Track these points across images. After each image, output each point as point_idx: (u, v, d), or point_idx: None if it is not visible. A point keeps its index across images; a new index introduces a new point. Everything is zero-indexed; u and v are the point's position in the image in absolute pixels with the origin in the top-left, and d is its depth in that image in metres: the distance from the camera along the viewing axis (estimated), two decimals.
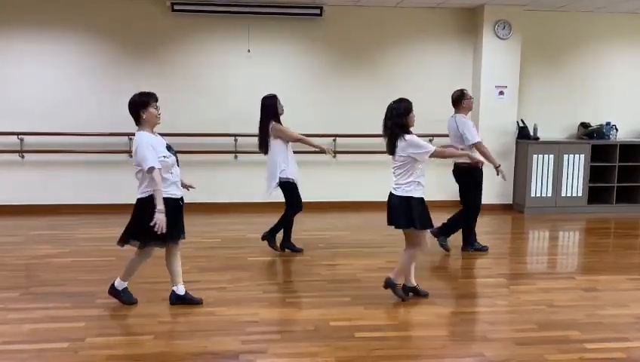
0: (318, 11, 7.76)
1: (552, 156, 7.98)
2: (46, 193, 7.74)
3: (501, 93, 8.05)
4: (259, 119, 5.63)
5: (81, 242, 6.26)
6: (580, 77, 8.54)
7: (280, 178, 5.55)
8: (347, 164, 8.15)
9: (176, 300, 4.32)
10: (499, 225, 7.36)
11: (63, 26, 7.62)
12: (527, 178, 7.97)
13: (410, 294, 4.54)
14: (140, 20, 7.71)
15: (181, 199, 4.25)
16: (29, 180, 7.71)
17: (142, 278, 4.57)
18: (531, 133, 8.06)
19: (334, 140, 7.98)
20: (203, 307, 4.31)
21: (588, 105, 8.55)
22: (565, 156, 8.02)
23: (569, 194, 8.07)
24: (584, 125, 8.37)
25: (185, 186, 4.44)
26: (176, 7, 7.56)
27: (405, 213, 4.30)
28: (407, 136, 4.27)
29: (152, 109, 4.07)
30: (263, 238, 5.84)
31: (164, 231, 3.95)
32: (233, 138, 7.81)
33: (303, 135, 5.70)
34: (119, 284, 4.33)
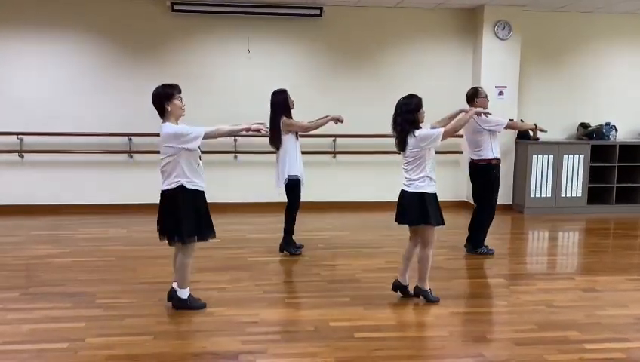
0: (317, 12, 7.76)
1: (551, 156, 7.99)
2: (46, 193, 7.74)
3: (501, 93, 8.06)
4: (269, 116, 5.55)
5: (81, 242, 6.26)
6: (580, 77, 8.55)
7: (289, 175, 5.53)
8: (347, 164, 8.16)
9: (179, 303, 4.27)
10: (498, 226, 7.35)
11: (63, 26, 7.62)
12: (526, 178, 7.98)
13: (398, 291, 4.54)
14: (140, 20, 7.72)
15: (204, 192, 4.20)
16: (28, 180, 7.71)
17: (141, 278, 4.57)
18: (531, 134, 8.06)
19: (334, 140, 7.99)
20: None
21: (587, 106, 8.56)
22: (565, 156, 8.02)
23: (569, 195, 8.07)
24: (584, 125, 8.38)
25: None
26: (176, 7, 7.56)
27: (419, 208, 4.27)
28: (417, 132, 4.24)
29: (176, 101, 4.05)
30: (281, 250, 5.79)
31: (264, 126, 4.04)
32: (233, 138, 7.80)
33: (321, 118, 5.70)
34: (183, 293, 4.22)
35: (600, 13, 8.31)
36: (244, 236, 6.48)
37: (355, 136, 7.96)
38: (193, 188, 4.07)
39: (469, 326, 4.13)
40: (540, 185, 8.02)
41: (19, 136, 7.58)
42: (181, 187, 4.02)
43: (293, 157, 5.54)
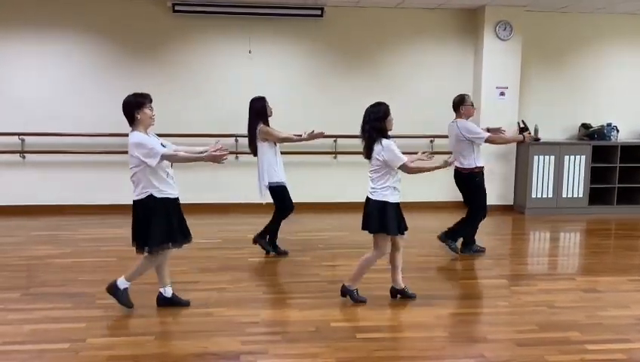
0: (318, 12, 7.76)
1: (552, 157, 7.98)
2: (47, 193, 7.74)
3: (502, 94, 8.05)
4: (247, 121, 5.60)
5: (81, 242, 6.26)
6: (581, 78, 8.54)
7: (270, 183, 5.53)
8: (347, 165, 8.14)
9: (164, 302, 4.32)
10: (499, 226, 7.36)
11: (63, 26, 7.62)
12: (527, 179, 7.97)
13: (397, 296, 4.55)
14: (140, 21, 7.72)
15: (177, 199, 4.22)
16: (29, 180, 7.71)
17: (142, 279, 4.56)
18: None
19: (335, 141, 7.98)
20: (203, 307, 4.31)
21: (589, 106, 8.55)
22: (566, 157, 8.01)
23: (570, 195, 8.06)
24: (585, 126, 8.37)
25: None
26: (177, 8, 7.55)
27: (379, 217, 4.27)
28: (385, 141, 4.23)
29: (146, 110, 4.06)
30: (254, 242, 5.80)
31: (225, 154, 3.98)
32: (234, 138, 7.80)
33: (296, 135, 5.63)
34: (122, 283, 4.28)
35: (601, 13, 8.31)
36: (245, 236, 6.46)
37: (356, 137, 7.90)
38: (163, 196, 4.07)
39: (470, 326, 4.13)
40: (541, 186, 8.01)
41: (20, 137, 7.58)
42: (150, 197, 4.03)
43: (272, 163, 5.53)
